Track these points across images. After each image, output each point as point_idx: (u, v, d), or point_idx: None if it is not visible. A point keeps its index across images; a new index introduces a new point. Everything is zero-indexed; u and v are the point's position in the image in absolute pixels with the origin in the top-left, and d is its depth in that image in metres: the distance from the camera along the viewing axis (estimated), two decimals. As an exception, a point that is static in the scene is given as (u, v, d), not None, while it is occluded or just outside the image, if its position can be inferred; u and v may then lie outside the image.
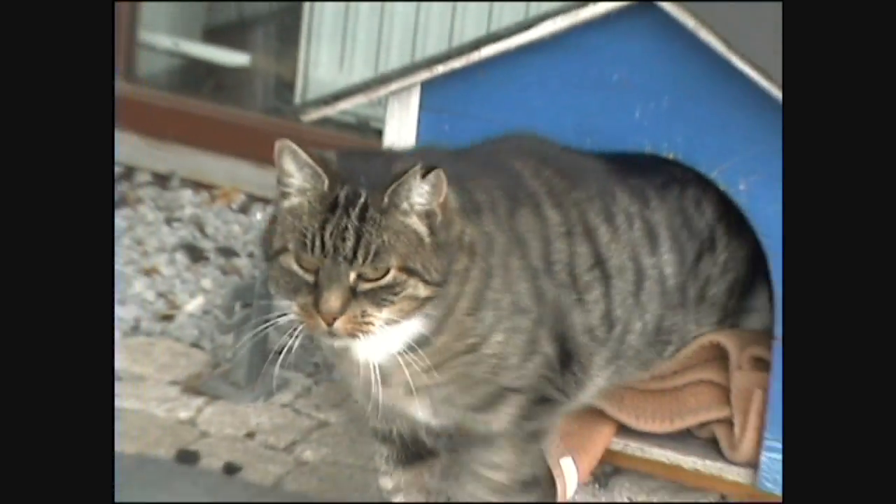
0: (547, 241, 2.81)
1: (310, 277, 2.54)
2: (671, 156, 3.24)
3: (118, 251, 4.22)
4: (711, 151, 3.19)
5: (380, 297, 2.53)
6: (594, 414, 3.38)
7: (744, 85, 3.11)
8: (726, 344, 3.36)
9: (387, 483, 2.96)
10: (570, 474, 3.29)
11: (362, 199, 2.53)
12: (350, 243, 2.51)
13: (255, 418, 2.87)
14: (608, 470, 3.47)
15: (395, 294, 2.54)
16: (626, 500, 3.43)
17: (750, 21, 3.27)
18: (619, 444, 3.42)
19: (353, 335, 2.55)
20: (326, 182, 2.57)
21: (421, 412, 2.82)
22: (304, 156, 2.59)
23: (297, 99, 4.57)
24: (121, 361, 3.84)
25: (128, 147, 4.56)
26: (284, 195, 2.65)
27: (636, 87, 3.27)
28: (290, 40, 4.70)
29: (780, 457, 3.23)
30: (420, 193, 2.52)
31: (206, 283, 4.19)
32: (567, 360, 2.83)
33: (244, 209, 4.44)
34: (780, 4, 3.31)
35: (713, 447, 3.41)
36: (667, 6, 3.12)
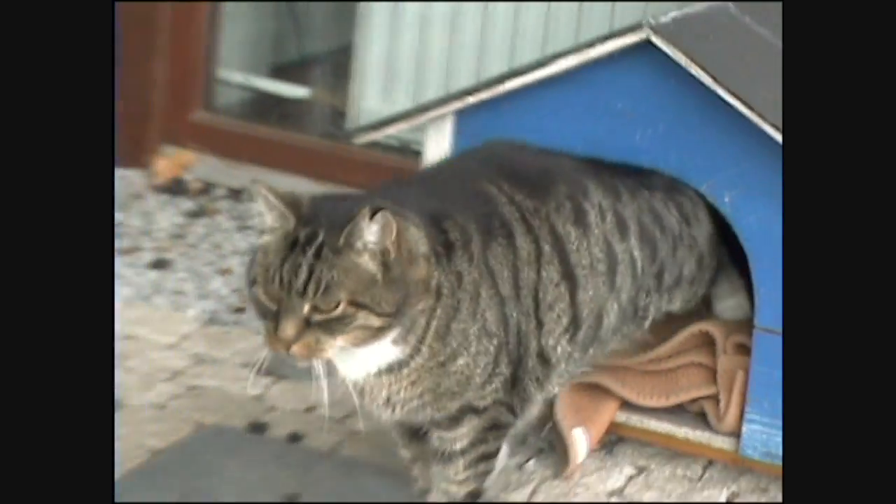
0: (516, 270, 2.75)
1: (273, 307, 2.52)
2: (668, 170, 3.25)
3: (199, 254, 4.23)
4: (700, 169, 3.20)
5: (332, 326, 2.49)
6: (601, 391, 3.39)
7: (728, 113, 3.12)
8: (714, 332, 3.39)
9: (405, 454, 2.97)
10: (581, 443, 3.32)
11: (318, 239, 2.50)
12: (303, 279, 2.48)
13: (314, 395, 2.88)
14: (613, 439, 3.46)
15: (346, 325, 2.50)
16: (628, 465, 3.42)
17: (735, 58, 3.27)
18: (623, 417, 3.43)
19: (309, 358, 2.53)
20: (292, 222, 2.54)
21: (396, 419, 2.82)
22: (272, 198, 2.56)
23: (349, 125, 4.57)
24: (202, 347, 3.85)
25: (207, 167, 4.59)
26: (261, 232, 2.62)
27: (637, 115, 3.27)
28: (343, 76, 4.70)
29: (759, 428, 3.25)
30: (370, 233, 2.48)
31: None
32: (516, 381, 2.79)
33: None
34: (763, 43, 3.35)
35: (702, 420, 3.41)
36: (663, 46, 3.14)
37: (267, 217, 2.59)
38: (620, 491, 3.34)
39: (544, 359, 2.85)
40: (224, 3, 4.62)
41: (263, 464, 3.36)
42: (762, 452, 3.27)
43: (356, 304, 2.47)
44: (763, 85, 3.19)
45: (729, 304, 3.51)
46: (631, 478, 3.39)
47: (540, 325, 2.81)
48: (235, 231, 4.38)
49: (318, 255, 2.48)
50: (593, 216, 2.92)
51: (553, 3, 4.41)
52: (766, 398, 3.24)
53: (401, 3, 4.53)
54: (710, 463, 3.42)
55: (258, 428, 3.52)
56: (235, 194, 4.54)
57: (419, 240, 2.60)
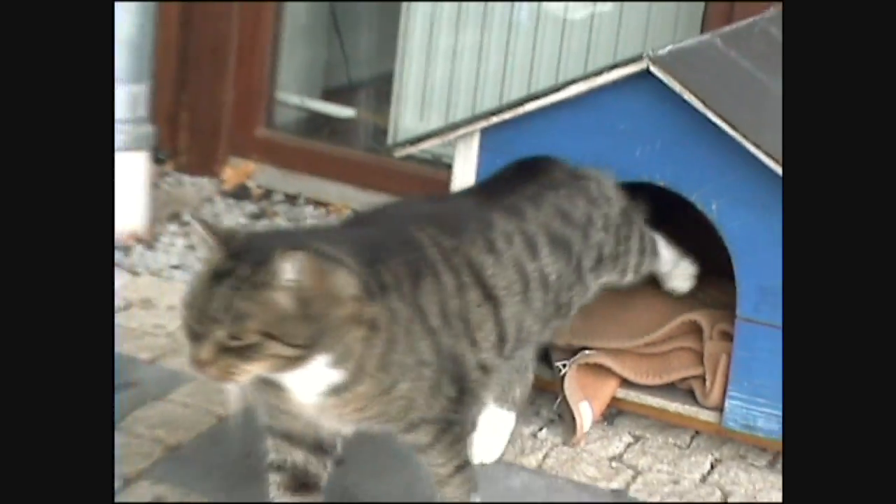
0: (444, 303, 2.65)
1: (195, 331, 2.42)
2: (662, 183, 3.27)
3: None
4: (691, 181, 3.22)
5: (245, 353, 2.37)
6: (604, 371, 3.41)
7: (716, 133, 3.13)
8: (701, 321, 3.40)
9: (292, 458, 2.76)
10: (586, 415, 3.34)
11: (239, 273, 2.38)
12: (219, 307, 2.36)
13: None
14: (614, 412, 3.48)
15: (257, 352, 2.37)
16: (627, 434, 3.42)
17: (722, 85, 3.28)
18: (622, 393, 3.45)
19: (224, 380, 2.42)
20: (219, 255, 2.43)
21: (347, 429, 2.72)
22: (205, 233, 2.45)
23: (389, 141, 4.58)
24: None
25: (267, 175, 4.60)
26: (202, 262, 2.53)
27: (637, 134, 3.28)
28: (385, 99, 4.71)
29: (739, 403, 3.28)
30: (285, 272, 2.35)
31: None
32: (462, 395, 2.71)
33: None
34: (745, 73, 3.36)
35: (690, 396, 3.43)
36: (660, 75, 3.15)
37: (201, 249, 2.50)
38: (620, 456, 3.34)
39: (485, 368, 2.79)
40: (283, 35, 4.63)
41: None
42: (742, 425, 3.29)
43: (266, 335, 2.36)
44: (745, 109, 3.20)
45: (676, 278, 3.51)
46: (629, 445, 3.39)
47: (474, 342, 2.74)
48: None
49: (236, 287, 2.37)
50: (501, 243, 2.84)
51: (566, 37, 4.41)
52: (745, 378, 3.26)
53: (435, 37, 4.54)
54: (697, 433, 3.42)
55: None
56: (291, 199, 4.55)
57: (346, 282, 2.47)
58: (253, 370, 2.38)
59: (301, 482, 2.70)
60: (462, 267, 2.72)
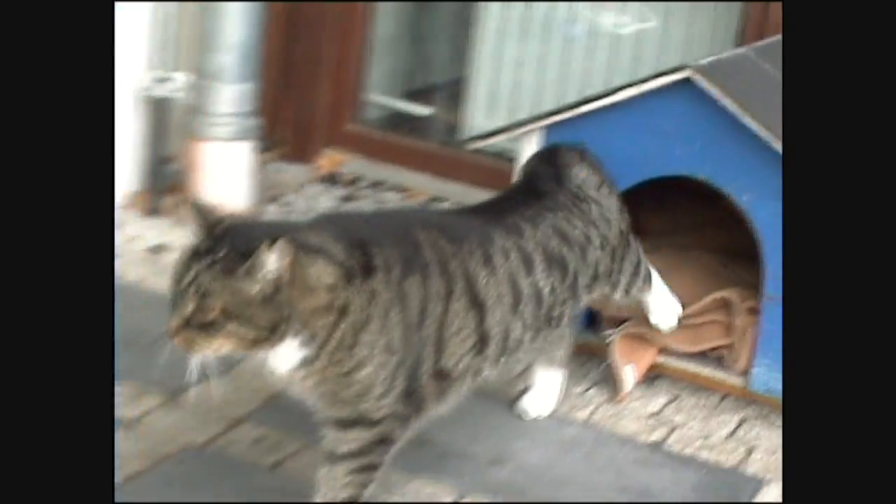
0: (425, 303, 2.52)
1: (172, 301, 2.35)
2: (701, 178, 3.26)
3: None
4: (726, 176, 3.21)
5: (206, 328, 2.29)
6: (646, 340, 3.41)
7: (748, 134, 3.13)
8: (731, 298, 3.40)
9: None
10: (630, 377, 3.34)
11: (213, 255, 2.30)
12: (189, 283, 2.29)
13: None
14: (653, 375, 3.47)
15: (218, 330, 2.29)
16: (664, 394, 3.43)
17: (754, 92, 3.27)
18: (661, 359, 3.44)
19: (188, 351, 2.33)
20: (202, 235, 2.36)
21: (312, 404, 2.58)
22: (195, 214, 2.39)
23: (461, 136, 4.59)
24: None
25: (357, 164, 4.62)
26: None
27: (678, 135, 3.27)
28: (457, 99, 4.73)
29: (763, 370, 3.28)
30: (268, 261, 2.27)
31: None
32: (409, 394, 2.55)
33: (429, 204, 4.45)
34: (776, 81, 3.33)
35: (720, 363, 3.43)
36: (700, 82, 3.15)
37: (191, 226, 2.42)
38: (658, 414, 3.34)
39: (442, 375, 2.60)
40: (371, 44, 4.64)
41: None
42: (765, 388, 3.29)
43: (228, 315, 2.27)
44: (775, 113, 3.18)
45: (662, 313, 3.36)
46: (666, 404, 3.39)
47: (440, 349, 2.57)
48: (371, 209, 4.38)
49: (209, 267, 2.28)
50: (498, 258, 2.70)
51: (616, 49, 4.41)
52: (769, 349, 3.27)
53: (502, 47, 4.56)
54: (726, 395, 3.41)
55: None
56: (375, 185, 4.56)
57: (322, 272, 2.36)
58: (213, 345, 2.30)
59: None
60: (456, 273, 2.60)
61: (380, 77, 4.78)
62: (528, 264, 2.76)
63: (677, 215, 3.69)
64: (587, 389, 3.42)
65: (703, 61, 3.26)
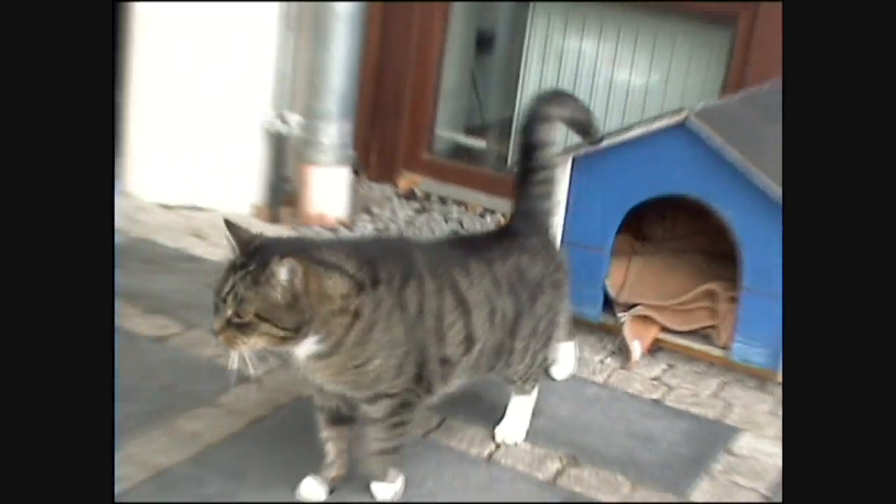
0: (423, 302, 2.42)
1: (217, 307, 2.27)
2: (694, 196, 3.26)
3: (421, 233, 4.23)
4: (713, 195, 3.22)
5: (244, 329, 2.22)
6: (650, 320, 3.43)
7: (730, 163, 3.14)
8: (716, 289, 3.42)
9: (324, 434, 2.56)
10: (636, 349, 3.36)
11: (247, 269, 2.22)
12: (229, 292, 2.23)
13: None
14: (655, 348, 3.47)
15: (254, 330, 2.22)
16: (664, 363, 3.42)
17: (736, 132, 3.27)
18: (662, 336, 3.46)
19: (230, 347, 2.26)
20: (237, 253, 2.28)
21: (335, 390, 2.48)
22: (229, 235, 2.32)
23: (509, 163, 4.58)
24: None
25: (428, 184, 4.64)
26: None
27: (677, 163, 3.27)
28: (506, 134, 4.72)
29: (740, 346, 3.29)
30: (279, 273, 2.20)
31: None
32: (420, 378, 2.46)
33: (482, 215, 4.42)
34: (757, 124, 3.34)
35: (708, 339, 3.43)
36: (693, 123, 3.17)
37: (228, 245, 2.35)
38: (659, 377, 3.33)
39: (445, 361, 2.51)
40: (440, 91, 4.65)
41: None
42: (742, 359, 3.31)
43: (261, 318, 2.21)
44: (751, 147, 3.21)
45: (561, 368, 3.21)
46: (665, 370, 3.39)
47: (441, 339, 2.48)
48: (442, 221, 4.38)
49: (243, 278, 2.22)
50: (475, 275, 2.56)
51: (629, 96, 4.41)
52: (745, 329, 3.26)
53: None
54: (711, 364, 3.41)
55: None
56: (442, 200, 4.57)
57: (337, 283, 2.29)
58: (251, 342, 2.24)
59: (337, 418, 2.54)
60: (444, 279, 2.49)
61: (446, 117, 4.78)
62: (497, 288, 2.60)
63: (675, 225, 3.71)
64: (604, 359, 3.41)
65: (697, 107, 3.28)
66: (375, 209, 4.40)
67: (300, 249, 2.28)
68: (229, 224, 2.34)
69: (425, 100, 4.64)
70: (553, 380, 3.16)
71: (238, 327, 2.22)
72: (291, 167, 4.26)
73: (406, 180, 4.63)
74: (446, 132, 4.82)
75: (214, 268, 3.60)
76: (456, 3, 4.63)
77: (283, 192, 4.26)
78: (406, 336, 2.39)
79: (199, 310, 3.27)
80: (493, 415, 2.90)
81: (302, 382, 2.62)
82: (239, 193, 4.21)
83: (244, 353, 2.27)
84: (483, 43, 4.91)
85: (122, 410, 2.69)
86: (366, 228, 4.23)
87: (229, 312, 2.22)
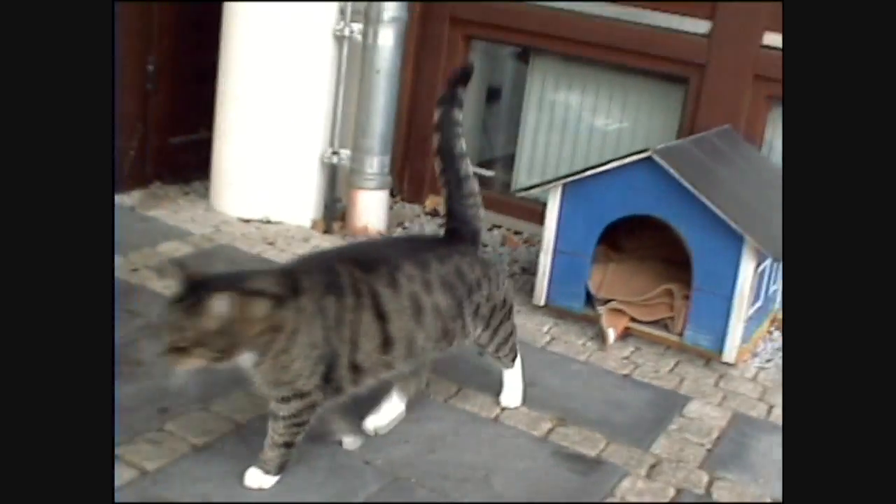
0: (341, 314, 2.25)
1: (162, 332, 2.15)
2: (657, 215, 3.25)
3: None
4: (672, 215, 3.23)
5: (184, 352, 2.10)
6: (621, 312, 3.44)
7: (685, 189, 3.14)
8: (674, 289, 3.42)
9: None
10: (611, 335, 3.38)
11: (185, 301, 2.11)
12: (171, 321, 2.11)
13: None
14: (626, 335, 3.45)
15: (190, 353, 2.10)
16: (632, 346, 3.40)
17: (697, 166, 3.27)
18: (631, 325, 3.45)
19: (174, 366, 2.13)
20: (180, 287, 2.14)
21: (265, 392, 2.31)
22: (173, 271, 2.19)
23: (513, 189, 4.58)
24: None
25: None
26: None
27: (645, 189, 3.27)
28: (509, 166, 4.70)
29: (692, 333, 3.29)
30: (211, 306, 2.08)
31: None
32: (330, 379, 2.28)
33: (490, 229, 4.37)
34: (717, 158, 3.34)
35: (666, 327, 3.43)
36: (658, 159, 3.18)
37: (174, 283, 2.19)
38: (628, 357, 3.33)
39: (356, 367, 2.32)
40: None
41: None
42: (693, 343, 3.32)
43: (196, 343, 2.09)
44: (703, 179, 3.21)
45: (510, 393, 2.90)
46: (633, 351, 3.38)
47: (355, 347, 2.29)
48: None
49: (181, 308, 2.11)
50: (403, 280, 2.36)
51: (606, 138, 4.41)
52: (695, 319, 3.27)
53: (538, 135, 4.56)
54: (668, 347, 3.40)
55: None
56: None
57: (259, 308, 2.15)
58: (190, 362, 2.12)
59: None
60: (364, 293, 2.29)
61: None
62: (427, 288, 2.41)
63: (642, 238, 3.71)
64: (586, 342, 3.40)
65: (660, 147, 3.27)
66: (407, 223, 4.40)
67: (230, 283, 2.16)
68: (175, 264, 2.23)
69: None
70: (504, 408, 2.86)
71: (178, 350, 2.11)
72: (342, 190, 4.27)
73: (431, 201, 4.62)
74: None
75: (282, 268, 3.63)
76: (472, 62, 4.64)
77: (335, 210, 4.27)
78: (324, 340, 2.24)
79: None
80: (499, 386, 2.90)
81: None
82: (301, 210, 4.23)
83: (187, 370, 2.14)
84: (492, 94, 4.92)
85: (209, 378, 2.70)
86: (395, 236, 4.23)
87: (171, 338, 2.11)
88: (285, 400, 2.27)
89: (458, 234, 2.62)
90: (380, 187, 4.18)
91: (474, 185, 2.70)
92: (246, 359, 2.19)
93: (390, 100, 4.12)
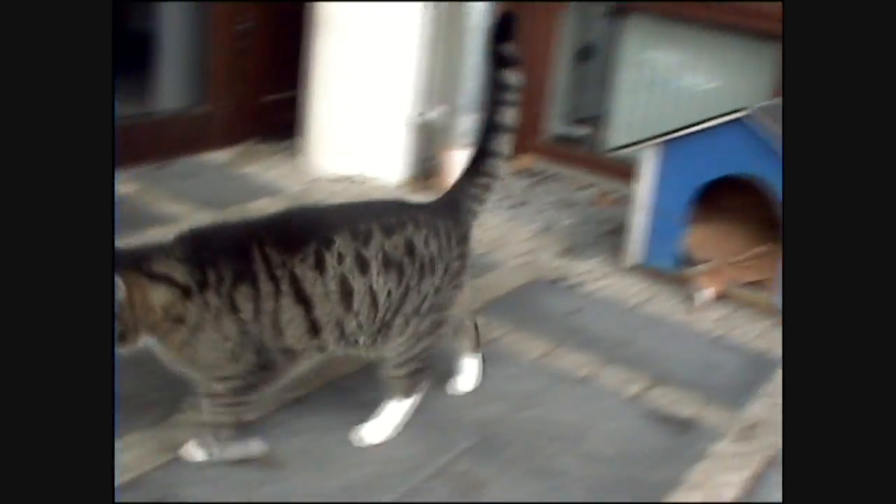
0: (257, 304, 2.05)
1: None
2: (752, 174, 3.22)
3: (534, 202, 4.16)
4: (767, 174, 3.19)
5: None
6: (717, 274, 3.42)
7: (775, 150, 3.08)
8: (766, 250, 3.41)
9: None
10: (705, 296, 3.36)
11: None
12: None
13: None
14: (720, 296, 3.42)
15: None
16: (726, 309, 3.37)
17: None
18: (725, 286, 3.42)
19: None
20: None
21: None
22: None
23: (607, 147, 4.55)
24: (535, 242, 3.75)
25: (541, 163, 4.65)
26: None
27: (739, 149, 3.25)
28: (604, 125, 4.68)
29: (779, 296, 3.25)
30: (118, 287, 1.93)
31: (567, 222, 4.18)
32: (264, 365, 2.10)
33: (583, 188, 4.37)
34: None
35: (761, 289, 3.39)
36: (750, 118, 3.16)
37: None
38: (721, 319, 3.30)
39: (287, 351, 2.13)
40: (550, 90, 4.65)
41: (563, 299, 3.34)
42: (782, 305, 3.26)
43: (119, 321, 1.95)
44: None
45: (465, 380, 2.65)
46: (726, 313, 3.35)
47: (279, 333, 2.09)
48: (550, 194, 4.38)
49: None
50: (330, 261, 2.09)
51: (701, 98, 4.37)
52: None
53: (634, 96, 4.54)
54: (762, 310, 3.36)
55: (559, 281, 3.44)
56: (552, 176, 4.57)
57: (161, 295, 1.99)
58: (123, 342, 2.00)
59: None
60: (283, 277, 2.06)
61: (556, 110, 4.77)
62: (363, 267, 2.13)
63: (737, 198, 3.67)
64: (678, 303, 3.39)
65: (755, 107, 3.25)
66: (501, 183, 4.40)
67: (133, 263, 2.01)
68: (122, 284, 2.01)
69: (539, 96, 4.64)
70: (458, 392, 2.62)
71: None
72: (433, 149, 4.30)
73: (523, 160, 4.63)
74: (555, 123, 4.79)
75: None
76: (566, 21, 4.63)
77: (427, 168, 4.30)
78: (239, 333, 2.06)
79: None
80: (593, 344, 2.89)
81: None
82: (392, 167, 4.28)
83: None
84: (585, 53, 4.89)
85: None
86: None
87: None
88: (220, 380, 2.12)
89: (447, 206, 2.36)
90: (470, 145, 4.17)
91: (495, 167, 2.44)
92: (150, 343, 2.06)
93: (481, 57, 4.12)
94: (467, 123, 4.15)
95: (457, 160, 4.19)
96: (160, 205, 3.70)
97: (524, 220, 4.00)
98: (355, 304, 2.15)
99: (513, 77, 2.39)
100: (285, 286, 2.06)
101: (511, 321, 3.03)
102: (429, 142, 4.27)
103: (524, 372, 2.75)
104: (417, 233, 2.21)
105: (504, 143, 2.43)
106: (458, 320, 2.47)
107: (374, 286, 2.15)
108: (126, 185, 3.84)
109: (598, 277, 3.48)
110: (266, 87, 4.53)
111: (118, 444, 2.22)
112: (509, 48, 2.36)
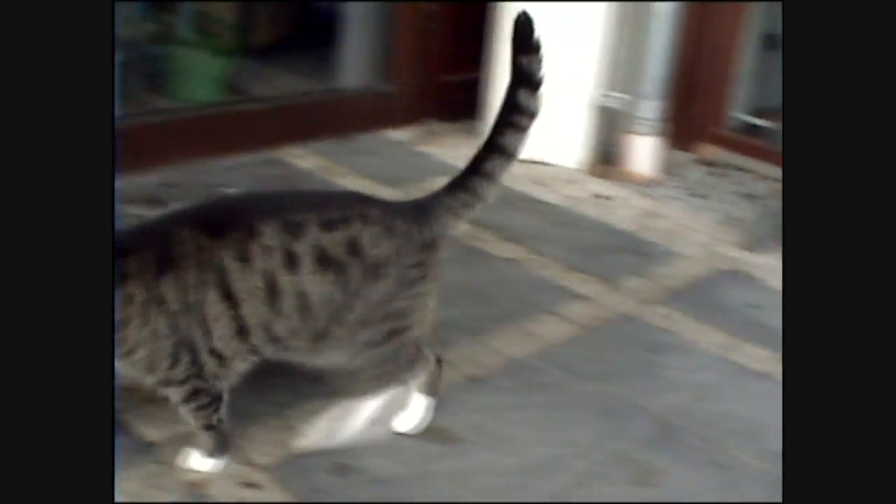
0: (185, 296, 1.85)
1: None
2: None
3: (711, 191, 4.07)
4: None
5: None
6: None
7: None
8: None
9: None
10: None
11: None
12: None
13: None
14: None
15: None
16: None
17: None
18: None
19: None
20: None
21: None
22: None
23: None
24: (716, 232, 3.69)
25: (722, 154, 4.56)
26: None
27: None
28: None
29: None
30: None
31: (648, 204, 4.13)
32: (199, 368, 1.92)
33: (765, 180, 4.28)
34: None
35: None
36: None
37: None
38: None
39: (217, 355, 1.93)
40: (733, 79, 4.56)
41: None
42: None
43: None
44: None
45: (406, 419, 2.29)
46: None
47: (207, 332, 1.90)
48: (730, 183, 4.32)
49: None
50: (256, 254, 1.88)
51: None
52: None
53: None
54: None
55: (739, 274, 3.40)
56: (731, 167, 4.49)
57: None
58: None
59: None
60: (208, 268, 1.87)
61: (738, 100, 4.68)
62: (292, 264, 1.90)
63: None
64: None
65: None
66: (676, 172, 4.37)
67: None
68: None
69: (722, 86, 4.57)
70: (396, 433, 2.27)
71: None
72: (615, 135, 4.28)
73: (704, 150, 4.57)
74: (738, 113, 4.69)
75: (553, 210, 3.72)
76: (753, 6, 4.54)
77: (607, 154, 4.29)
78: (170, 328, 1.88)
79: (541, 240, 3.39)
80: (773, 339, 2.84)
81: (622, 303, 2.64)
82: (572, 152, 4.28)
83: None
84: (771, 41, 4.78)
85: (482, 314, 2.82)
86: (668, 184, 4.23)
87: None
88: (162, 385, 1.97)
89: (413, 208, 2.08)
90: (653, 133, 4.17)
91: (482, 188, 2.14)
92: None
93: (667, 43, 4.09)
94: (650, 110, 4.12)
95: (638, 147, 4.17)
96: (342, 180, 3.79)
97: (704, 210, 3.94)
98: (284, 306, 1.93)
99: (527, 98, 2.07)
100: (211, 276, 1.87)
101: (690, 312, 3.01)
102: (610, 128, 4.26)
103: (703, 363, 2.73)
104: (365, 231, 1.95)
105: (500, 168, 2.10)
106: (419, 344, 2.16)
107: (306, 287, 1.93)
108: (309, 160, 3.95)
109: (778, 271, 3.40)
110: (448, 68, 4.59)
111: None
112: (532, 62, 2.07)
